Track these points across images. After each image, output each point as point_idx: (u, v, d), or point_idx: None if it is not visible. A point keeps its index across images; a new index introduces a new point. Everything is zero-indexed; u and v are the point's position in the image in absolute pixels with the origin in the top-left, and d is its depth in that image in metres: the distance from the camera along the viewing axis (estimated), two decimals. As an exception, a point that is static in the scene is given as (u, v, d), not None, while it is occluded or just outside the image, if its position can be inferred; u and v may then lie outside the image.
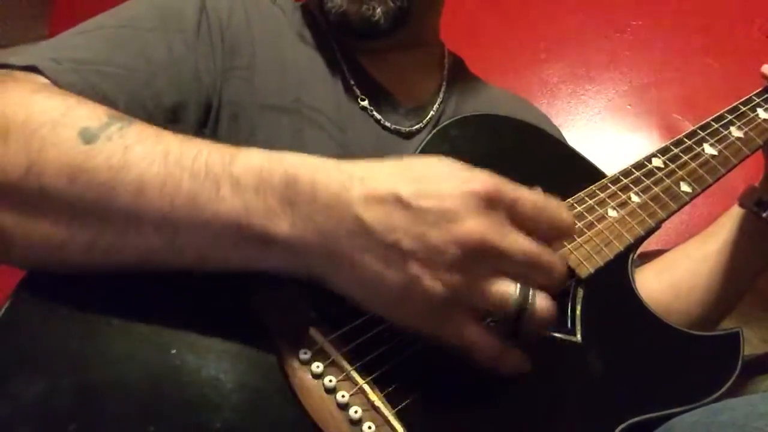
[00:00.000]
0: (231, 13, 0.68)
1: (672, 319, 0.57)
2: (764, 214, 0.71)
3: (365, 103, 0.72)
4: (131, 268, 0.44)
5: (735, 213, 0.75)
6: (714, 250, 0.75)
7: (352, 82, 0.72)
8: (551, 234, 0.45)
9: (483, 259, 0.42)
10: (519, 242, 0.43)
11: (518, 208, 0.44)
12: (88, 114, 0.45)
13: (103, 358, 0.42)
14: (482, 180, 0.43)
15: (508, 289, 0.43)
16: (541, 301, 0.43)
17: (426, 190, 0.42)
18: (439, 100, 0.77)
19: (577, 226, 0.57)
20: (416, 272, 0.41)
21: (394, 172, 0.43)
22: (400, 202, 0.42)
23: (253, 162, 0.44)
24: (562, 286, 0.45)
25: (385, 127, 0.72)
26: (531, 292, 0.43)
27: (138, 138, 0.44)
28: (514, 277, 0.43)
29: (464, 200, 0.42)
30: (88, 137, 0.43)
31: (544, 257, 0.43)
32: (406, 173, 0.43)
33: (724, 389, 0.52)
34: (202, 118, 0.63)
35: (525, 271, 0.43)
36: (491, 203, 0.42)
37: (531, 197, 0.45)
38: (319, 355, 0.46)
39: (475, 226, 0.41)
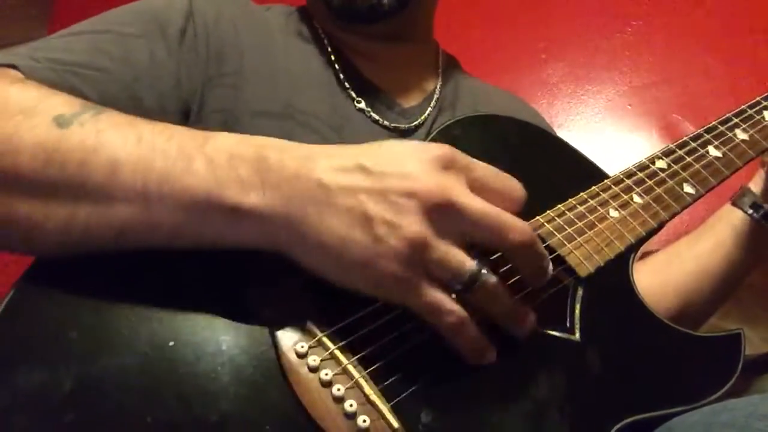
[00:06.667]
0: (218, 19, 0.68)
1: (661, 316, 0.57)
2: (757, 216, 0.71)
3: (361, 104, 0.72)
4: (110, 245, 0.45)
5: (726, 212, 0.75)
6: (705, 249, 0.75)
7: (347, 84, 0.72)
8: (504, 202, 0.47)
9: (444, 216, 0.44)
10: (475, 201, 0.45)
11: (472, 173, 0.47)
12: (62, 102, 0.47)
13: (102, 349, 0.42)
14: (438, 147, 0.47)
15: (465, 258, 0.45)
16: (492, 278, 0.46)
17: (388, 159, 0.45)
18: (435, 98, 0.77)
19: (578, 226, 0.58)
20: (382, 232, 0.43)
21: (358, 150, 0.47)
22: (362, 169, 0.45)
23: (225, 142, 0.46)
24: (530, 252, 0.47)
25: (383, 126, 0.72)
26: (486, 269, 0.46)
27: (110, 123, 0.46)
28: (473, 240, 0.46)
29: (423, 164, 0.45)
30: (61, 122, 0.45)
31: (502, 217, 0.45)
32: (369, 150, 0.47)
33: (724, 390, 0.52)
34: (182, 125, 0.62)
35: (484, 230, 0.45)
36: (447, 165, 0.45)
37: (483, 164, 0.48)
38: (316, 348, 0.46)
39: (434, 181, 0.44)
